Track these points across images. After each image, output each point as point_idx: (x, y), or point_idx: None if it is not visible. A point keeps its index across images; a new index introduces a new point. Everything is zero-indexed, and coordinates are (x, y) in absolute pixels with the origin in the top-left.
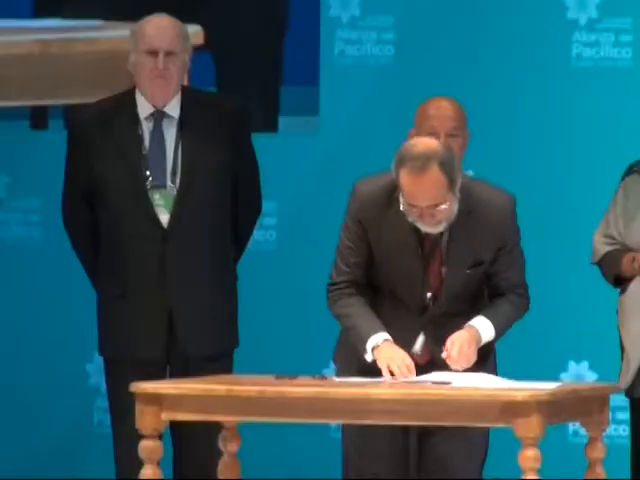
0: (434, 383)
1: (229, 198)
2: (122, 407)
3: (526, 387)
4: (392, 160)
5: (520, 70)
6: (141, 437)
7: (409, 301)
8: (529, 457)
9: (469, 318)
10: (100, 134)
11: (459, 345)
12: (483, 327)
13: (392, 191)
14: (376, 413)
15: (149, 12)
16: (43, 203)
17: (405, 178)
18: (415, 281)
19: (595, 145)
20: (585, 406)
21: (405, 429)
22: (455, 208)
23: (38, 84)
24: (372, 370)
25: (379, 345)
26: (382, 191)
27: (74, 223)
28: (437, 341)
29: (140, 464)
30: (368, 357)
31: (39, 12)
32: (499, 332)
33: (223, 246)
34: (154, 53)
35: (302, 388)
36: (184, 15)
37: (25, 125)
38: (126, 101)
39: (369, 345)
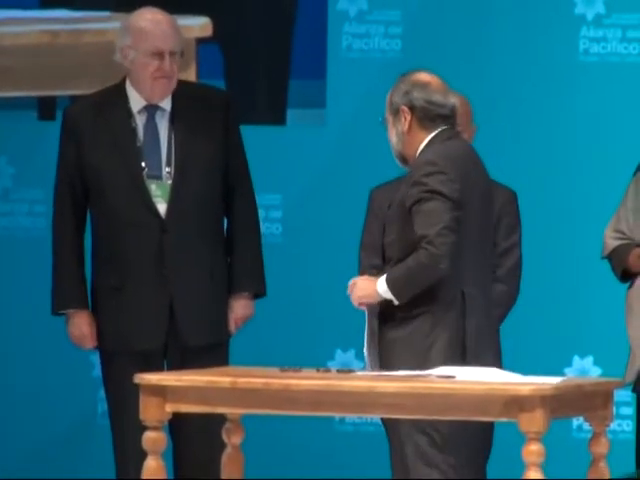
0: (438, 377)
1: (221, 186)
2: (124, 399)
3: (530, 381)
4: None
5: (527, 65)
6: (145, 429)
7: None
8: (533, 452)
9: None
10: (93, 127)
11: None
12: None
13: None
14: (380, 406)
15: (158, 4)
16: (49, 194)
17: None
18: None
19: (603, 141)
20: (589, 401)
21: None
22: (393, 138)
23: (46, 75)
24: None
25: None
26: None
27: (62, 218)
28: None
29: (140, 456)
30: None
31: (46, 3)
32: (394, 287)
33: (217, 234)
34: (159, 54)
35: (307, 381)
36: (193, 7)
37: (33, 116)
38: (118, 95)
39: None
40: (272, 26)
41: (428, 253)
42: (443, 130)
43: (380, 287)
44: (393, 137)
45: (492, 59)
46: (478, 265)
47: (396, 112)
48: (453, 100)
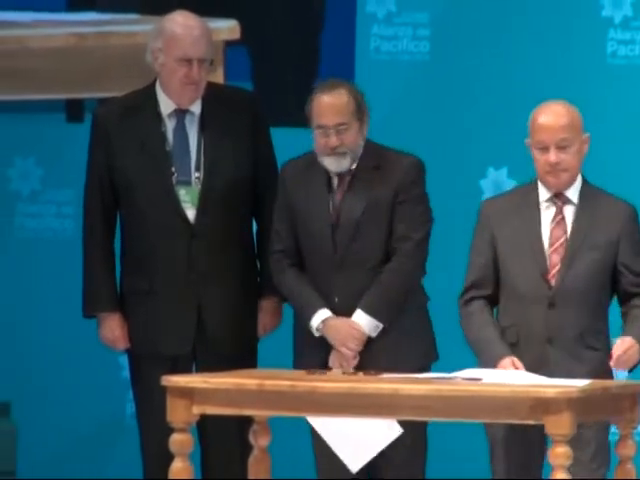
0: (464, 379)
1: (249, 191)
2: (152, 402)
3: (557, 384)
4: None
5: (555, 67)
6: (172, 430)
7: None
8: (559, 454)
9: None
10: (123, 130)
11: None
12: (361, 320)
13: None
14: (405, 409)
15: (184, 6)
16: (77, 195)
17: (316, 100)
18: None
19: (631, 143)
20: (616, 404)
21: None
22: (359, 141)
23: (73, 77)
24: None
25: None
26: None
27: (93, 220)
28: (349, 288)
29: (167, 458)
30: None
31: (73, 5)
32: (381, 316)
33: (246, 239)
34: (187, 61)
35: (333, 383)
36: (220, 9)
37: (61, 118)
38: (147, 98)
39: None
40: (300, 29)
41: (413, 261)
42: None
43: (367, 328)
44: (359, 140)
45: (519, 62)
46: None
47: (362, 116)
48: None
